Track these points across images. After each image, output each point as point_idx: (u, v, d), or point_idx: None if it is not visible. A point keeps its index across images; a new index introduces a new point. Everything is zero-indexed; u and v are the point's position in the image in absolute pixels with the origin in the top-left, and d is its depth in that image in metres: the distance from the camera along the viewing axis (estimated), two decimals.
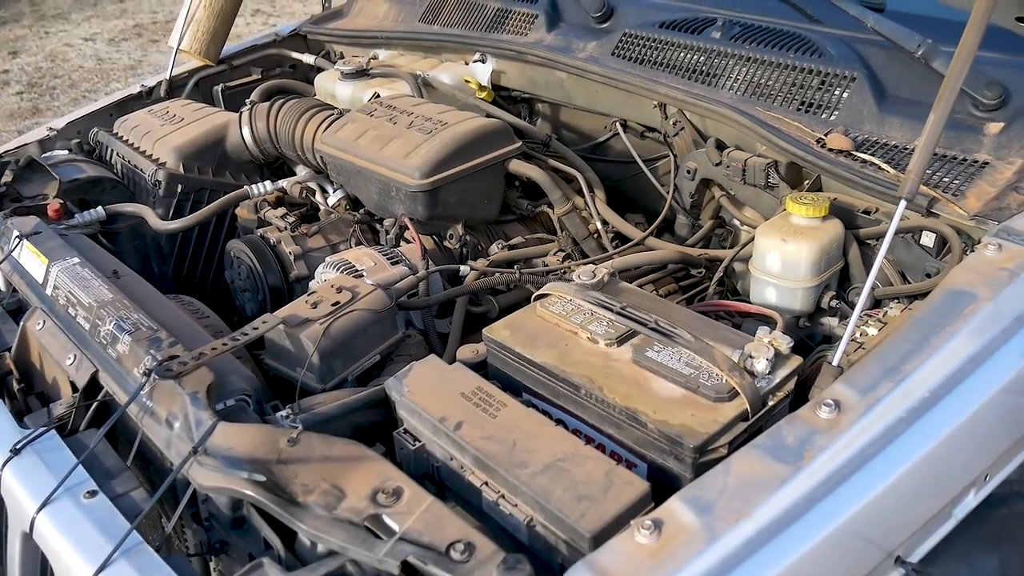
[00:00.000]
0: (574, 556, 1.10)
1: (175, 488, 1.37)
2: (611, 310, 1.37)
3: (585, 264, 1.87)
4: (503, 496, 1.19)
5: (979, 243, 1.45)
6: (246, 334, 1.45)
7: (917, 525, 1.22)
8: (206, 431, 1.24)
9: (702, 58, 2.04)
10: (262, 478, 1.17)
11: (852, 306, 1.63)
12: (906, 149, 1.70)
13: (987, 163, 1.61)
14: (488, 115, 2.18)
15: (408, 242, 2.01)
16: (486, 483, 1.21)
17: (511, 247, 2.02)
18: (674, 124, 2.05)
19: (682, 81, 2.03)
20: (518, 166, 1.99)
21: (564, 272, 1.90)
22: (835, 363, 1.24)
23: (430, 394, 1.33)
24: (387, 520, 1.12)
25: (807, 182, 1.81)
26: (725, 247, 2.11)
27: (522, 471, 1.17)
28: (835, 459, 1.10)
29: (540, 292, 1.49)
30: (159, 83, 2.70)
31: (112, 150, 2.39)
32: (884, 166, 1.64)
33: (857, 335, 1.41)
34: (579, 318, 1.42)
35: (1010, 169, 1.59)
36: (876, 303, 1.63)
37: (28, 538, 1.29)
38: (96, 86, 7.08)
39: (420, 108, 2.07)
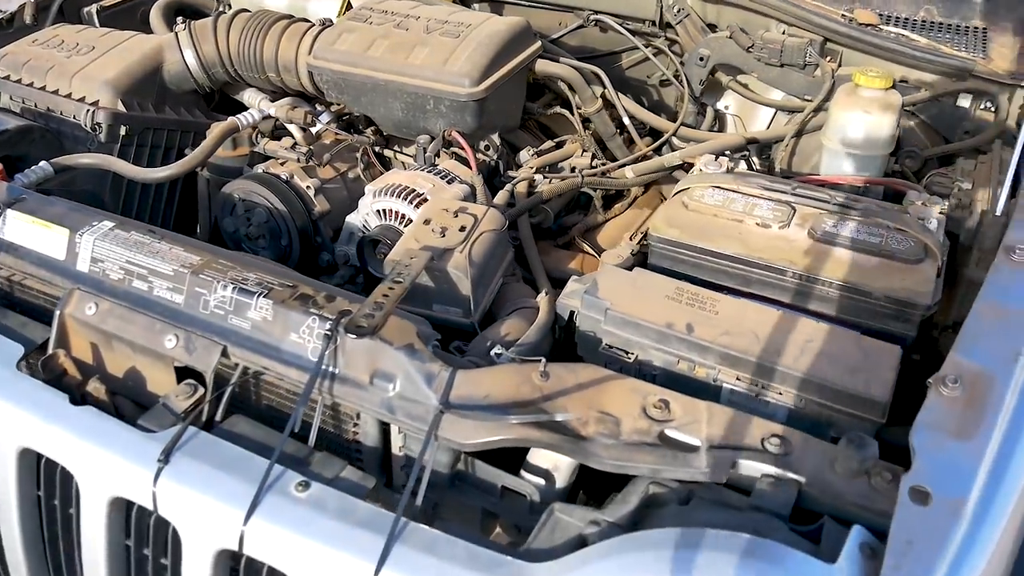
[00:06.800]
0: (859, 426, 1.13)
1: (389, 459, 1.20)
2: (785, 193, 1.38)
3: (651, 161, 1.85)
4: (763, 387, 1.19)
5: None
6: (401, 273, 1.27)
7: None
8: (446, 383, 1.10)
9: None
10: (545, 416, 1.07)
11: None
12: (917, 21, 1.85)
13: (985, 28, 1.81)
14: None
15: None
16: (737, 378, 1.20)
17: (540, 153, 1.92)
18: (677, 12, 2.04)
19: None
20: (545, 66, 1.88)
21: (602, 173, 1.86)
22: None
23: (637, 302, 1.27)
24: (679, 435, 1.07)
25: (828, 59, 1.91)
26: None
27: (783, 358, 1.17)
28: None
29: (682, 187, 1.46)
30: (21, 7, 2.16)
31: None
32: (916, 37, 1.77)
33: (955, 190, 1.55)
34: (738, 205, 1.41)
35: (1007, 31, 1.80)
36: (923, 164, 1.79)
37: (232, 558, 1.07)
38: None
39: (421, 11, 1.86)
